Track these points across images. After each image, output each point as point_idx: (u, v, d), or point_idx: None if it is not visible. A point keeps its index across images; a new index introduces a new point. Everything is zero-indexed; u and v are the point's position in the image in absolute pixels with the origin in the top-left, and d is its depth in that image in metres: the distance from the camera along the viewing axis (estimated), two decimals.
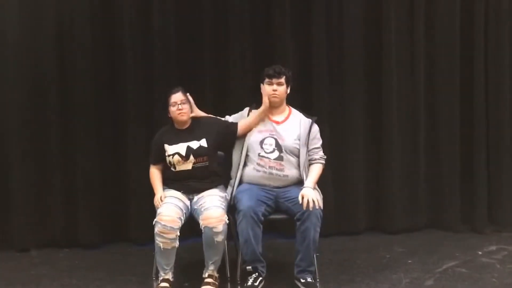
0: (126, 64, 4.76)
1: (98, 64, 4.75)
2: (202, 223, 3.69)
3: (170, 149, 3.90)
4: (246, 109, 4.07)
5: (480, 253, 4.49)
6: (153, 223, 3.68)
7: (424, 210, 5.13)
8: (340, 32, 4.95)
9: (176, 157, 3.87)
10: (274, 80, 3.90)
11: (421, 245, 4.72)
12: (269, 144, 3.91)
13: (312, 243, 3.68)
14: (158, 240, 3.66)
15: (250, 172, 3.93)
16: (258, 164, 3.90)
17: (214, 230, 3.64)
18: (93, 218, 4.74)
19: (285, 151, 3.89)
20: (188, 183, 3.90)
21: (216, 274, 3.81)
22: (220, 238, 3.67)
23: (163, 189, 3.94)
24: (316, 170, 3.93)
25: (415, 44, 5.03)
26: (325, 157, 4.01)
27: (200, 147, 3.90)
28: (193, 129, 3.95)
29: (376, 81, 5.03)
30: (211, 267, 3.78)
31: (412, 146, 5.08)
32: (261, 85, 3.96)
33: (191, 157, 3.87)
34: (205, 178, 3.92)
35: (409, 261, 4.34)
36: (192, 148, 3.88)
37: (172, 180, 3.94)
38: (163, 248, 3.67)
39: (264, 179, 3.89)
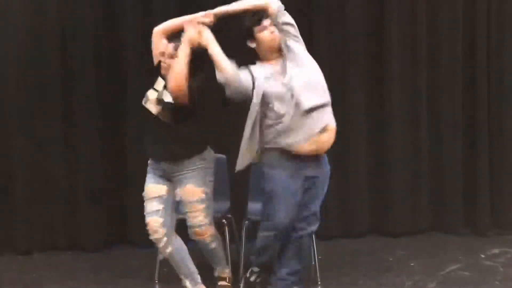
0: (129, 67, 4.77)
1: (100, 67, 4.75)
2: (192, 237, 3.64)
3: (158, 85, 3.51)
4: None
5: (483, 256, 4.48)
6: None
7: (427, 213, 5.11)
8: (341, 34, 4.95)
9: (153, 96, 3.48)
10: (265, 22, 3.41)
11: (424, 248, 4.71)
12: None
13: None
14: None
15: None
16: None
17: (206, 241, 3.63)
18: (95, 221, 4.74)
19: None
20: (166, 145, 3.47)
21: (226, 272, 3.80)
22: (214, 245, 3.66)
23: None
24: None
25: (417, 45, 5.02)
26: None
27: (170, 103, 3.47)
28: None
29: (378, 82, 5.03)
30: (219, 267, 3.78)
31: (414, 149, 5.07)
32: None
33: (159, 106, 3.48)
34: (170, 142, 3.48)
35: (412, 264, 4.33)
36: (163, 99, 3.48)
37: (150, 132, 3.54)
38: (163, 258, 3.66)
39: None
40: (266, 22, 3.41)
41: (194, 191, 3.54)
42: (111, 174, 4.82)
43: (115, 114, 4.81)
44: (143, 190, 4.73)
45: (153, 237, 3.59)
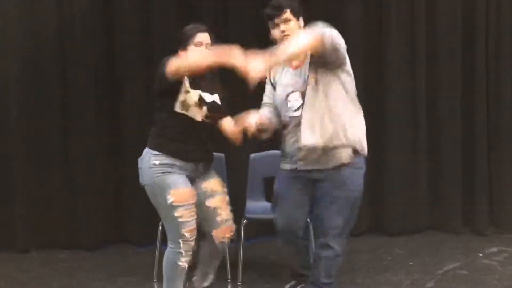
0: (127, 65, 4.77)
1: (99, 65, 4.76)
2: (217, 238, 3.30)
3: (188, 87, 3.14)
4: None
5: (481, 255, 4.48)
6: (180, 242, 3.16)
7: (425, 212, 5.12)
8: (340, 34, 4.94)
9: (195, 98, 3.13)
10: (277, 20, 3.05)
11: (422, 247, 4.72)
12: (295, 99, 3.10)
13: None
14: (183, 261, 3.16)
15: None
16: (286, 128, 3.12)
17: (227, 243, 3.39)
18: (93, 220, 4.75)
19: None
20: (192, 145, 3.19)
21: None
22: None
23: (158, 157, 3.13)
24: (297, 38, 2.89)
25: (416, 46, 5.01)
26: (329, 32, 2.89)
27: (214, 102, 3.23)
28: (207, 79, 3.23)
29: (377, 82, 5.03)
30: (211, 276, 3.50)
31: (413, 147, 5.07)
32: (270, 32, 3.15)
33: (204, 108, 3.18)
34: (208, 142, 3.30)
35: (410, 263, 4.33)
36: (204, 100, 3.18)
37: (175, 132, 3.15)
38: (183, 268, 3.20)
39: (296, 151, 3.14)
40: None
41: (221, 183, 3.36)
42: (109, 173, 4.82)
43: (113, 114, 4.81)
44: (141, 189, 4.75)
45: (191, 245, 3.18)
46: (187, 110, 3.14)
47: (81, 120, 4.73)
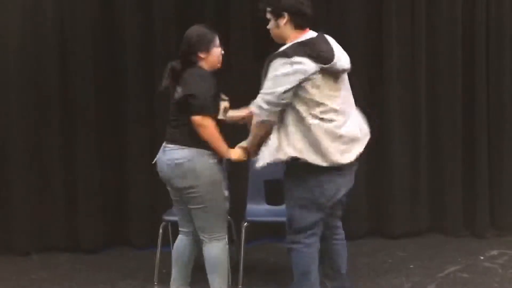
0: (127, 67, 4.76)
1: (99, 67, 4.75)
2: None
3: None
4: None
5: (482, 257, 4.48)
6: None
7: (426, 215, 5.11)
8: (340, 40, 4.93)
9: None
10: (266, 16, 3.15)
11: (423, 250, 4.71)
12: None
13: None
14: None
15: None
16: None
17: None
18: (93, 222, 4.74)
19: None
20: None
21: None
22: None
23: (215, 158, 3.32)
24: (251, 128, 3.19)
25: (416, 47, 5.01)
26: (260, 104, 3.03)
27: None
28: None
29: (377, 83, 5.03)
30: None
31: (413, 150, 5.06)
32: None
33: None
34: None
35: (411, 266, 4.33)
36: None
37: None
38: None
39: None
40: None
41: None
42: (110, 175, 4.81)
43: (114, 115, 4.80)
44: (141, 191, 4.76)
45: None
46: None
47: (82, 121, 4.72)
